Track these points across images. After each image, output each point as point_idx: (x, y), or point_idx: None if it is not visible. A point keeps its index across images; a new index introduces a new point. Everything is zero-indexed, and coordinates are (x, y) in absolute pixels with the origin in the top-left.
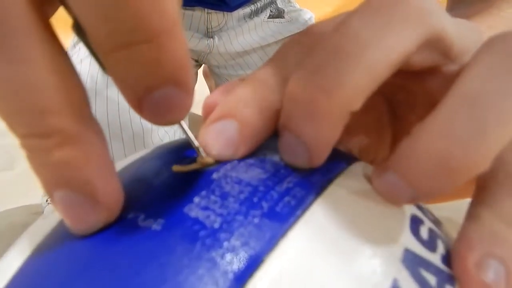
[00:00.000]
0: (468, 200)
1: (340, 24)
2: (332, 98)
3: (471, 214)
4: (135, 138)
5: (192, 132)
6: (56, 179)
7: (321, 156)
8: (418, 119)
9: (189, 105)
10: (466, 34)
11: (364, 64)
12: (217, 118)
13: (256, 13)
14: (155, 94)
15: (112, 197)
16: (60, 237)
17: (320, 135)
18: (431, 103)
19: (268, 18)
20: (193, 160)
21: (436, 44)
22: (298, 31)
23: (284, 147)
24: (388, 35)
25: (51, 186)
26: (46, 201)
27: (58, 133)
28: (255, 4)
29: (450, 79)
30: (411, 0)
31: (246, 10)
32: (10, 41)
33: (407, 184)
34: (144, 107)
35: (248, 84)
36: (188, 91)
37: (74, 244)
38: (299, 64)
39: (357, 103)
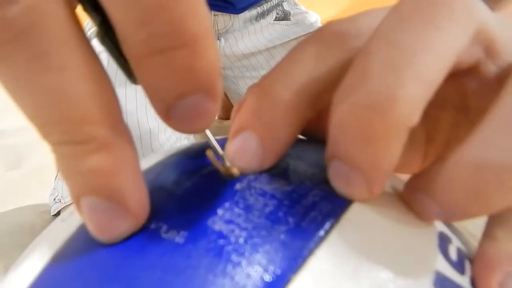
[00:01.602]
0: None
1: (378, 32)
2: (386, 117)
3: (488, 235)
4: (142, 139)
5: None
6: (86, 185)
7: (381, 183)
8: (449, 118)
9: (215, 113)
10: (507, 30)
11: (416, 74)
12: (237, 131)
13: (262, 15)
14: (185, 102)
15: (140, 206)
16: (81, 244)
17: (379, 160)
18: (463, 105)
19: (274, 20)
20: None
21: (480, 39)
22: (304, 33)
23: (336, 177)
24: (435, 37)
25: (80, 192)
26: (54, 199)
27: (93, 140)
28: (262, 7)
29: (488, 82)
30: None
31: (253, 12)
32: (48, 49)
33: (440, 207)
34: (172, 115)
35: (261, 91)
36: (216, 99)
37: (96, 252)
38: (340, 84)
39: (415, 117)
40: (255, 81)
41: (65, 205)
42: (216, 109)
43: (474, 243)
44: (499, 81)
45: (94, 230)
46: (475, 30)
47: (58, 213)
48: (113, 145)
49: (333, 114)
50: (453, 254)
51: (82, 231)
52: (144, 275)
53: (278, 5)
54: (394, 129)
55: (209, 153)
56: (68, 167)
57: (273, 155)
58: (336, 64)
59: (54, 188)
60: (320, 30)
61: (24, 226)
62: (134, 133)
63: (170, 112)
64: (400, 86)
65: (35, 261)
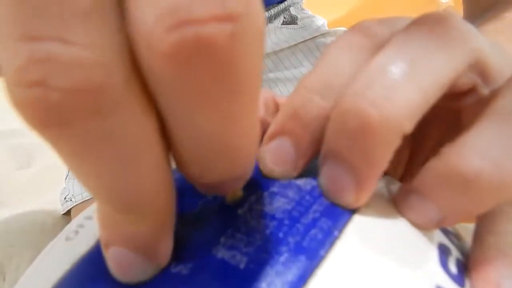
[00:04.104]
0: None
1: (388, 45)
2: (383, 113)
3: (478, 241)
4: None
5: None
6: (122, 240)
7: (369, 185)
8: (439, 135)
9: (241, 185)
10: (501, 57)
11: (416, 84)
12: (271, 137)
13: (269, 19)
14: (216, 184)
15: (167, 258)
16: (87, 275)
17: (371, 156)
18: (455, 122)
19: (281, 24)
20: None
21: (477, 66)
22: (311, 36)
23: (328, 178)
24: (437, 57)
25: (113, 242)
26: (64, 198)
27: (144, 215)
28: (269, 11)
29: (481, 101)
30: (455, 23)
31: None
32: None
33: (435, 205)
34: (201, 187)
35: (297, 95)
36: (244, 180)
37: (108, 286)
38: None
39: (409, 124)
40: (263, 84)
41: (75, 204)
42: (242, 184)
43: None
44: (490, 99)
45: (117, 273)
46: (473, 56)
47: (68, 212)
48: (161, 218)
49: (335, 107)
50: (452, 267)
51: (88, 258)
52: None
53: (285, 9)
54: (388, 129)
55: None
56: (110, 220)
57: (305, 160)
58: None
59: (65, 187)
60: (351, 32)
61: (35, 225)
62: None
63: (201, 185)
64: (401, 91)
65: (42, 282)
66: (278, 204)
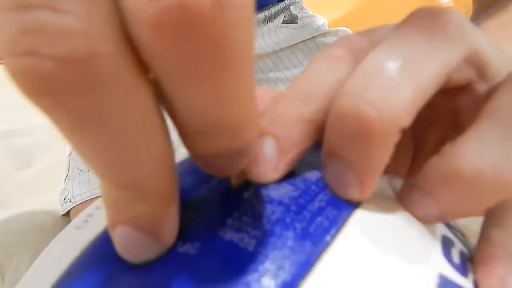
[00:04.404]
0: None
1: (382, 42)
2: (382, 112)
3: (484, 236)
4: None
5: None
6: (128, 219)
7: (372, 180)
8: (437, 136)
9: (246, 163)
10: (498, 54)
11: (411, 79)
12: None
13: (270, 18)
14: (220, 160)
15: (174, 235)
16: (98, 257)
17: (371, 155)
18: (454, 122)
19: (281, 23)
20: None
21: (473, 61)
22: (311, 36)
23: (331, 176)
24: (432, 52)
25: (119, 221)
26: (64, 199)
27: (149, 192)
28: (269, 10)
29: (479, 99)
30: (452, 18)
31: (260, 16)
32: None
33: (435, 202)
34: (206, 167)
35: (279, 102)
36: (247, 156)
37: (113, 266)
38: (344, 83)
39: (407, 119)
40: (263, 84)
41: (75, 204)
42: (247, 160)
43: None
44: (488, 97)
45: (124, 253)
46: (468, 51)
47: (68, 213)
48: (164, 195)
49: (332, 108)
50: (456, 257)
51: (97, 243)
52: (163, 285)
53: (285, 8)
54: (388, 126)
55: None
56: (114, 200)
57: (285, 163)
58: (346, 74)
59: (64, 188)
60: (332, 45)
61: (35, 225)
62: None
63: (206, 165)
64: (398, 89)
65: (50, 272)
66: (284, 190)
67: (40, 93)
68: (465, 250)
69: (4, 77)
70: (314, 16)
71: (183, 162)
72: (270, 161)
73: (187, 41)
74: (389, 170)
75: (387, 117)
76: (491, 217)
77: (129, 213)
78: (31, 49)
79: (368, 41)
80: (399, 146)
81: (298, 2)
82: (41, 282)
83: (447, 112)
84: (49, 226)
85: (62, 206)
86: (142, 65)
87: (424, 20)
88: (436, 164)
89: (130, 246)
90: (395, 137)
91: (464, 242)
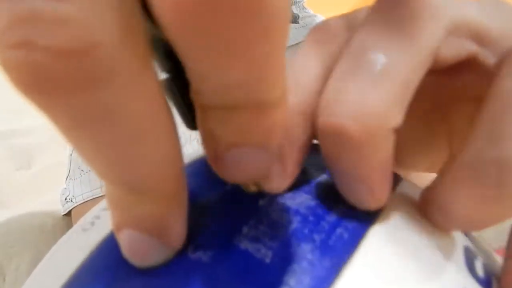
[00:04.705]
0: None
1: (352, 42)
2: (360, 121)
3: (511, 253)
4: None
5: None
6: (133, 222)
7: (381, 188)
8: (469, 109)
9: (266, 167)
10: (497, 17)
11: (386, 76)
12: None
13: None
14: (237, 150)
15: (182, 239)
16: (105, 262)
17: (368, 164)
18: (475, 97)
19: None
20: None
21: (464, 32)
22: None
23: (340, 186)
24: (403, 38)
25: (125, 224)
26: (65, 199)
27: (155, 194)
28: None
29: (488, 70)
30: None
31: None
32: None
33: (450, 221)
34: (220, 162)
35: None
36: (270, 155)
37: (120, 271)
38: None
39: (393, 117)
40: None
41: (76, 204)
42: (268, 163)
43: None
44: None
45: (130, 257)
46: (450, 24)
47: (69, 213)
48: (171, 197)
49: (316, 122)
50: (479, 271)
51: (104, 246)
52: None
53: None
54: (372, 132)
55: None
56: (119, 202)
57: (293, 165)
58: (332, 59)
59: (65, 188)
60: (314, 30)
61: (35, 226)
62: None
63: (220, 158)
64: (372, 91)
65: (56, 276)
66: (301, 199)
67: (35, 88)
68: (487, 262)
69: (4, 77)
70: (315, 15)
71: (195, 162)
72: (277, 167)
73: (224, 7)
74: (430, 162)
75: (367, 124)
76: None
77: (135, 215)
78: (25, 40)
79: (346, 24)
80: (430, 136)
81: (299, 1)
82: (51, 283)
83: (467, 87)
84: (49, 226)
85: (63, 206)
86: (147, 57)
87: (392, 6)
88: (443, 178)
89: (137, 250)
90: (388, 138)
91: (487, 254)
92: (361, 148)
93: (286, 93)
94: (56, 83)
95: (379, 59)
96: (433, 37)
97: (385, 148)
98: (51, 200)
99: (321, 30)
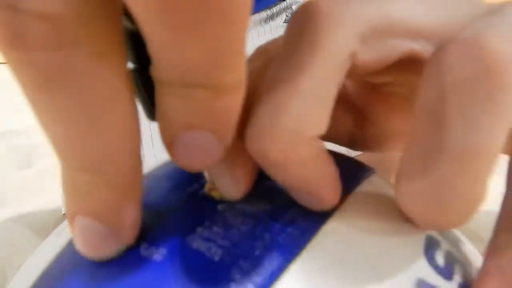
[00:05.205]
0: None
1: (267, 72)
2: (274, 141)
3: (492, 242)
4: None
5: None
6: (87, 208)
7: (329, 192)
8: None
9: (219, 155)
10: (433, 9)
11: (296, 91)
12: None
13: (271, 17)
14: (190, 134)
15: (133, 232)
16: (67, 260)
17: (304, 176)
18: None
19: (283, 22)
20: (201, 186)
21: (390, 31)
22: None
23: (293, 195)
24: (308, 52)
25: (78, 211)
26: None
27: (110, 177)
28: (271, 9)
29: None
30: (325, 4)
31: (262, 14)
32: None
33: (419, 222)
34: (174, 146)
35: None
36: (223, 141)
37: (80, 268)
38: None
39: (309, 128)
40: None
41: None
42: (220, 152)
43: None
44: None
45: (83, 248)
46: (367, 29)
47: None
48: (126, 184)
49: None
50: (440, 260)
51: (69, 247)
52: None
53: (287, 8)
54: (292, 150)
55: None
56: (75, 189)
57: (247, 174)
58: (258, 72)
59: None
60: (250, 58)
61: (37, 225)
62: (146, 133)
63: (174, 141)
64: (282, 106)
65: (26, 278)
66: (258, 205)
67: (15, 46)
68: (453, 250)
69: (4, 78)
70: None
71: (162, 166)
72: (231, 176)
73: None
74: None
75: (282, 142)
76: (503, 222)
77: (89, 201)
78: (11, 3)
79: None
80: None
81: (300, 1)
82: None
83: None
84: (50, 225)
85: (63, 205)
86: (115, 37)
87: (296, 23)
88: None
89: (89, 239)
90: (310, 148)
91: (454, 241)
92: (287, 166)
93: (243, 82)
94: (33, 42)
95: (287, 79)
96: (339, 45)
97: (314, 159)
98: (52, 200)
99: (259, 56)
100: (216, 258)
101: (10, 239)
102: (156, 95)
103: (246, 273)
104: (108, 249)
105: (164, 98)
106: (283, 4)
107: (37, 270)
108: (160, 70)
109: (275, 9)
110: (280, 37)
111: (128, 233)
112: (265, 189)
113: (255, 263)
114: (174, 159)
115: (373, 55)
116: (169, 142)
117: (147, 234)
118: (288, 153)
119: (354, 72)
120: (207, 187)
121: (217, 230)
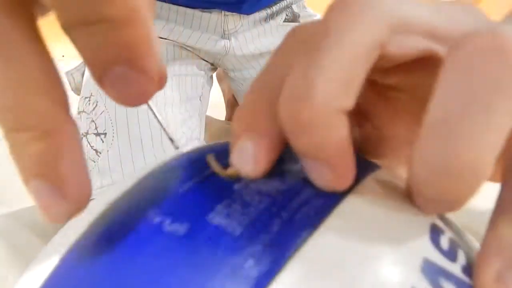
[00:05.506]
0: (488, 207)
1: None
2: (309, 104)
3: (492, 224)
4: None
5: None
6: (31, 169)
7: (344, 167)
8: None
9: (149, 89)
10: (445, 13)
11: (334, 61)
12: (235, 138)
13: (271, 16)
14: (112, 72)
15: (80, 191)
16: (91, 242)
17: (322, 145)
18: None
19: (283, 21)
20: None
21: (412, 29)
22: None
23: (310, 174)
24: (347, 33)
25: (27, 175)
26: None
27: (38, 128)
28: (271, 8)
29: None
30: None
31: (262, 13)
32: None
33: (424, 205)
34: (103, 83)
35: (253, 94)
36: (144, 73)
37: (106, 245)
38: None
39: (343, 99)
40: None
41: None
42: (149, 85)
43: (472, 237)
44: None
45: (41, 212)
46: (394, 23)
47: None
48: (55, 133)
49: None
50: (444, 244)
51: (91, 228)
52: (148, 263)
53: (287, 7)
54: (322, 114)
55: (209, 158)
56: (17, 152)
57: (267, 159)
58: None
59: None
60: (286, 36)
61: (37, 225)
62: (146, 133)
63: (102, 80)
64: (318, 74)
65: (49, 260)
66: (274, 184)
67: None
68: (456, 238)
69: None
70: (315, 15)
71: (181, 156)
72: (252, 161)
73: None
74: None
75: (316, 105)
76: (501, 204)
77: (29, 161)
78: None
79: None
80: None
81: (300, 0)
82: (42, 270)
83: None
84: (50, 225)
85: None
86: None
87: (335, 6)
88: (410, 170)
89: (40, 201)
90: (339, 120)
91: (456, 230)
92: (314, 128)
93: (138, 13)
94: None
95: (324, 53)
96: (372, 32)
97: (338, 128)
98: None
99: (296, 36)
100: (237, 233)
101: (10, 239)
102: (72, 43)
103: (265, 247)
104: (59, 210)
105: (76, 43)
106: (283, 3)
107: (63, 248)
108: (59, 18)
109: (275, 8)
110: (317, 20)
111: (72, 190)
112: (280, 172)
113: (274, 238)
114: (111, 97)
115: (397, 48)
116: (98, 80)
117: (170, 212)
118: (318, 113)
119: (378, 64)
120: (222, 171)
121: (236, 207)
